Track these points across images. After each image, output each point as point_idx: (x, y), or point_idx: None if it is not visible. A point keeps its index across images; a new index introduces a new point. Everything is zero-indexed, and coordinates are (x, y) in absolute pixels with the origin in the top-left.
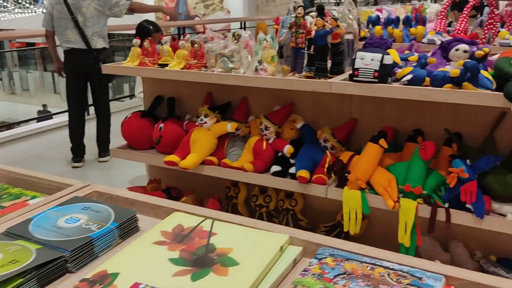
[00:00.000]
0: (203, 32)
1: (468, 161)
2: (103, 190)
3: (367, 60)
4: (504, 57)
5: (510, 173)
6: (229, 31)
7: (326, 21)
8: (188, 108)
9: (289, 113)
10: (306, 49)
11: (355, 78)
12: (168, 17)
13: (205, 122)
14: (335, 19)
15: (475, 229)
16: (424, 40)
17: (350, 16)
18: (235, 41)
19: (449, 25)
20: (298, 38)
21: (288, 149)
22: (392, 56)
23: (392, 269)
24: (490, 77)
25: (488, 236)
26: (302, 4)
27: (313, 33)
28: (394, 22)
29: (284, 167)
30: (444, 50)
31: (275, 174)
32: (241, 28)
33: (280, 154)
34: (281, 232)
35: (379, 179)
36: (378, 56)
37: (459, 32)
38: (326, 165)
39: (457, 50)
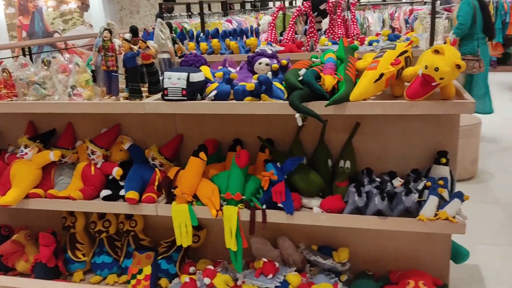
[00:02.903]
0: (66, 49)
1: (278, 164)
2: None
3: (174, 80)
4: (293, 68)
5: (313, 170)
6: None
7: (136, 43)
8: (12, 139)
9: (116, 135)
10: (118, 71)
11: (165, 98)
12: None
13: (26, 153)
14: (144, 41)
15: (299, 224)
16: (257, 50)
17: (163, 36)
18: (45, 67)
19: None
20: (108, 61)
21: (116, 172)
22: (204, 72)
23: None
24: (283, 88)
25: (311, 228)
26: (109, 27)
27: (121, 56)
28: (232, 34)
29: (114, 190)
30: (249, 64)
31: (106, 198)
32: None
33: (111, 177)
34: None
35: (204, 191)
36: (184, 75)
37: (287, 41)
38: (156, 183)
39: (260, 63)
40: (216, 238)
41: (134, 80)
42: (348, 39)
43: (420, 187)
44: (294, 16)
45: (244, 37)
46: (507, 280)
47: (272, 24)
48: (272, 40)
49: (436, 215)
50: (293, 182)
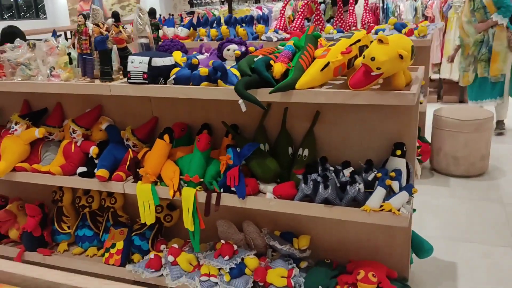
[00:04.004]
0: None
1: (238, 149)
2: None
3: (136, 64)
4: (249, 55)
5: (271, 157)
6: None
7: (108, 28)
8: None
9: (97, 115)
10: (93, 55)
11: (128, 81)
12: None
13: (16, 130)
14: (117, 26)
15: (265, 210)
16: (263, 37)
17: (140, 22)
18: (30, 49)
19: (329, 20)
20: (82, 44)
21: (93, 150)
22: (175, 57)
23: None
24: (238, 74)
25: (277, 214)
26: (84, 13)
27: (92, 39)
28: (245, 21)
29: (90, 168)
30: (219, 50)
31: (81, 174)
32: None
33: (90, 155)
34: None
35: (167, 172)
36: (146, 59)
37: (295, 29)
38: (128, 163)
39: (228, 50)
40: None
41: (105, 63)
42: (353, 28)
43: (370, 178)
44: (303, 4)
45: (256, 23)
46: (480, 280)
47: (282, 12)
48: (280, 27)
49: (381, 206)
50: (251, 168)
